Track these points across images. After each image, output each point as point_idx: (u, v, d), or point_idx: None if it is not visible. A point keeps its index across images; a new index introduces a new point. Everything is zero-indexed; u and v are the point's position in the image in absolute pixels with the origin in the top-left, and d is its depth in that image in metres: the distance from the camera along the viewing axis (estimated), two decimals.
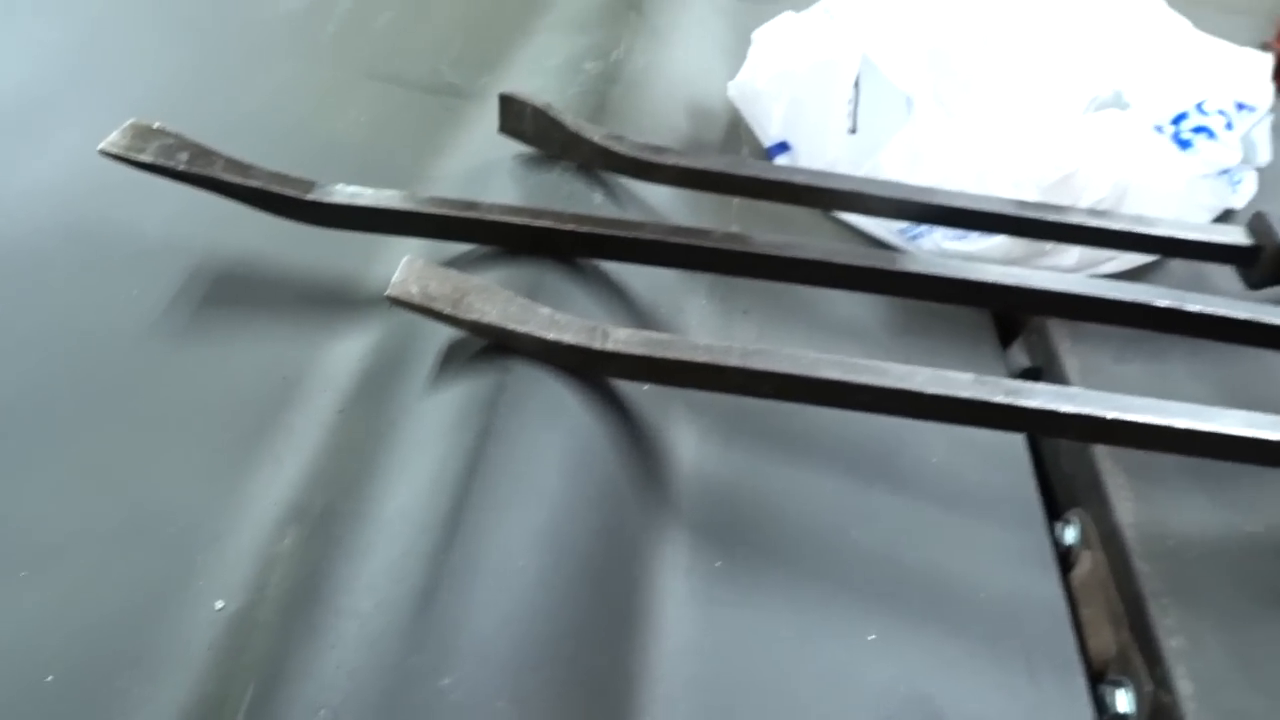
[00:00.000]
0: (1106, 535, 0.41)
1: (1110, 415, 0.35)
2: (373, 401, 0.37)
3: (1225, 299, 0.43)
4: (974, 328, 0.51)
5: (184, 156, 0.41)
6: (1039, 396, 0.36)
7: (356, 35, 0.65)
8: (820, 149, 0.58)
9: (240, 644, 0.29)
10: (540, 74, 0.61)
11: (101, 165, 0.41)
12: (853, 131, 0.58)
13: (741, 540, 0.37)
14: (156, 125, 0.42)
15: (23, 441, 0.35)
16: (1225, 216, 0.57)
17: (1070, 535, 0.42)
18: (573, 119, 0.48)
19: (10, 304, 0.40)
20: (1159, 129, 0.52)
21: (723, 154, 0.59)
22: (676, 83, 0.64)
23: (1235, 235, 0.47)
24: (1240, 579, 0.38)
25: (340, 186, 0.42)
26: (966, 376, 0.36)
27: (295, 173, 0.44)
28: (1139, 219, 0.47)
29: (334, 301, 0.42)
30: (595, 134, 0.47)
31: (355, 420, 0.37)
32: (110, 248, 0.43)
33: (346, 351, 0.40)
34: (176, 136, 0.42)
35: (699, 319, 0.46)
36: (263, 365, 0.39)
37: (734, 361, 0.36)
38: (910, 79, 0.55)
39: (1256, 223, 0.47)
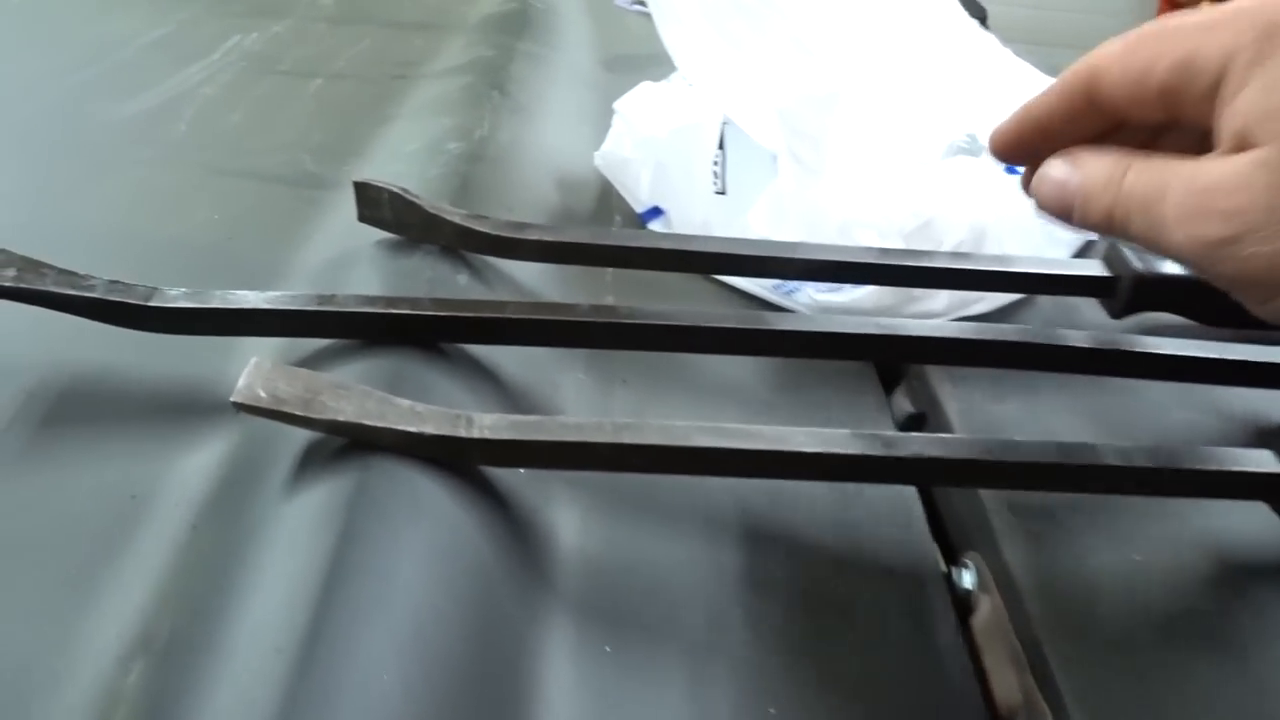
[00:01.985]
0: (1001, 578, 0.40)
1: (988, 458, 0.35)
2: (228, 514, 0.35)
3: (1088, 332, 0.43)
4: (856, 377, 0.51)
5: (9, 273, 0.39)
6: (915, 445, 0.35)
7: (208, 133, 0.63)
8: (690, 211, 0.58)
9: None
10: (402, 158, 0.60)
11: None
12: (721, 192, 0.58)
13: (632, 620, 0.36)
14: None
15: None
16: (1087, 249, 0.59)
17: (968, 580, 0.41)
18: (431, 201, 0.47)
19: None
20: (1011, 169, 0.53)
21: (588, 225, 0.59)
22: (543, 156, 0.64)
23: (1093, 268, 0.48)
24: (1133, 609, 0.38)
25: (183, 291, 0.40)
26: (843, 433, 0.36)
27: (139, 279, 0.42)
28: (1000, 258, 0.48)
29: (185, 411, 0.40)
30: (455, 215, 0.46)
31: (209, 536, 0.34)
32: None
33: (201, 463, 0.38)
34: (1, 252, 0.40)
35: (576, 394, 0.45)
36: (108, 485, 0.37)
37: (605, 438, 0.35)
38: (772, 138, 0.55)
39: (1111, 253, 0.48)
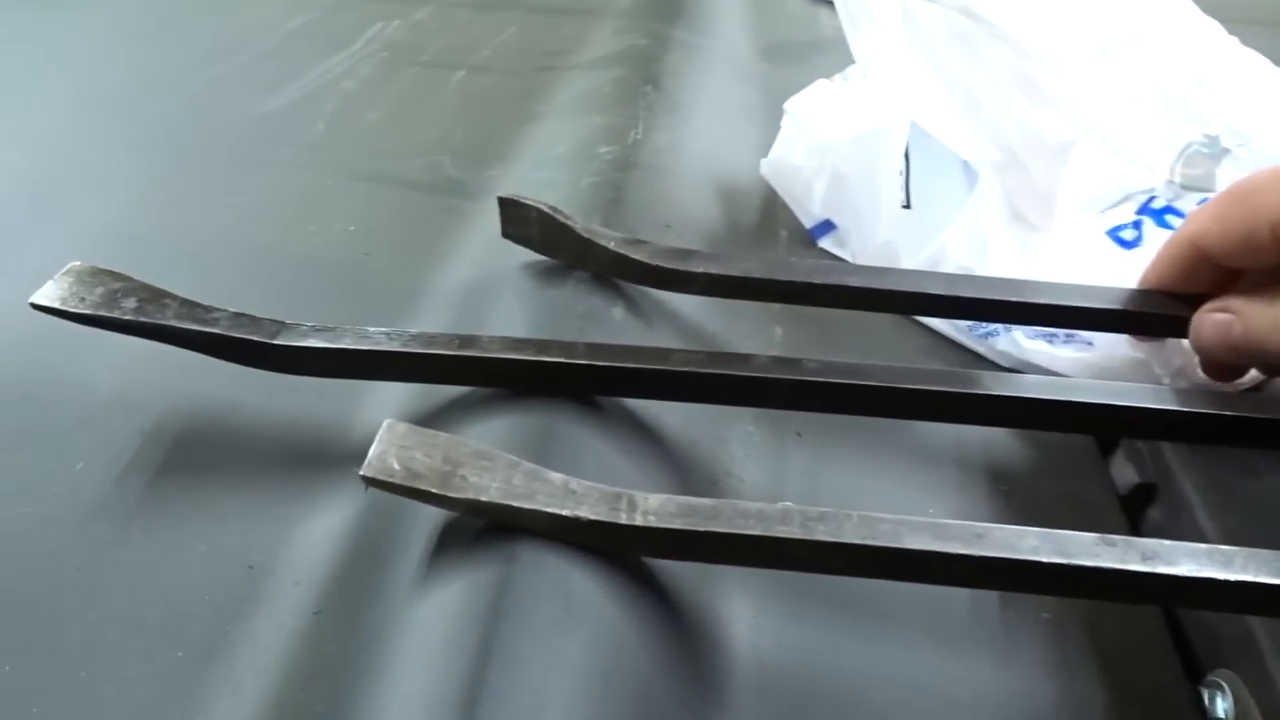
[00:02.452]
0: (1269, 708, 0.33)
1: None
2: (353, 602, 0.30)
3: None
4: (1069, 437, 0.43)
5: (130, 304, 0.35)
6: (1183, 560, 0.28)
7: (347, 132, 0.59)
8: (871, 228, 0.51)
9: None
10: (550, 163, 0.54)
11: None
12: (907, 206, 0.51)
13: None
14: (99, 267, 0.36)
15: None
16: None
17: (1221, 707, 0.34)
18: (584, 225, 0.41)
19: None
20: None
21: (759, 253, 0.52)
22: (702, 161, 0.58)
23: None
24: None
25: (313, 327, 0.36)
26: (1087, 538, 0.29)
27: (270, 300, 0.38)
28: None
29: (310, 462, 0.36)
30: (610, 240, 0.41)
31: (332, 627, 0.30)
32: (53, 412, 0.37)
33: (324, 530, 0.33)
34: (123, 279, 0.36)
35: (744, 451, 0.39)
36: (225, 551, 0.33)
37: (795, 533, 0.29)
38: (969, 144, 0.48)
39: None
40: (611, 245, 0.41)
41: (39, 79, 0.64)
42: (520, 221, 0.43)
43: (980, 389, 0.35)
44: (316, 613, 0.30)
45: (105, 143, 0.56)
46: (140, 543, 0.33)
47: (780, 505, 0.29)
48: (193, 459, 0.36)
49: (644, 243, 0.41)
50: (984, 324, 0.45)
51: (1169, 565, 0.28)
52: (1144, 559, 0.28)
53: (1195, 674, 0.35)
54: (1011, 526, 0.29)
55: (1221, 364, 0.39)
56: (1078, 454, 0.41)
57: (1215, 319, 0.36)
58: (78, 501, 0.34)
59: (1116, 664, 0.33)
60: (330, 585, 0.31)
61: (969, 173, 0.49)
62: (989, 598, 0.35)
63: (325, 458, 0.36)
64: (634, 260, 0.40)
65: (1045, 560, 0.28)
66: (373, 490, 0.33)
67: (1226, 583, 0.28)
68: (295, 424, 0.37)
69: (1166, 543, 0.29)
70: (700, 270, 0.40)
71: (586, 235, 0.41)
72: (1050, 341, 0.43)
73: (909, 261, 0.49)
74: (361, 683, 0.27)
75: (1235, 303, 0.35)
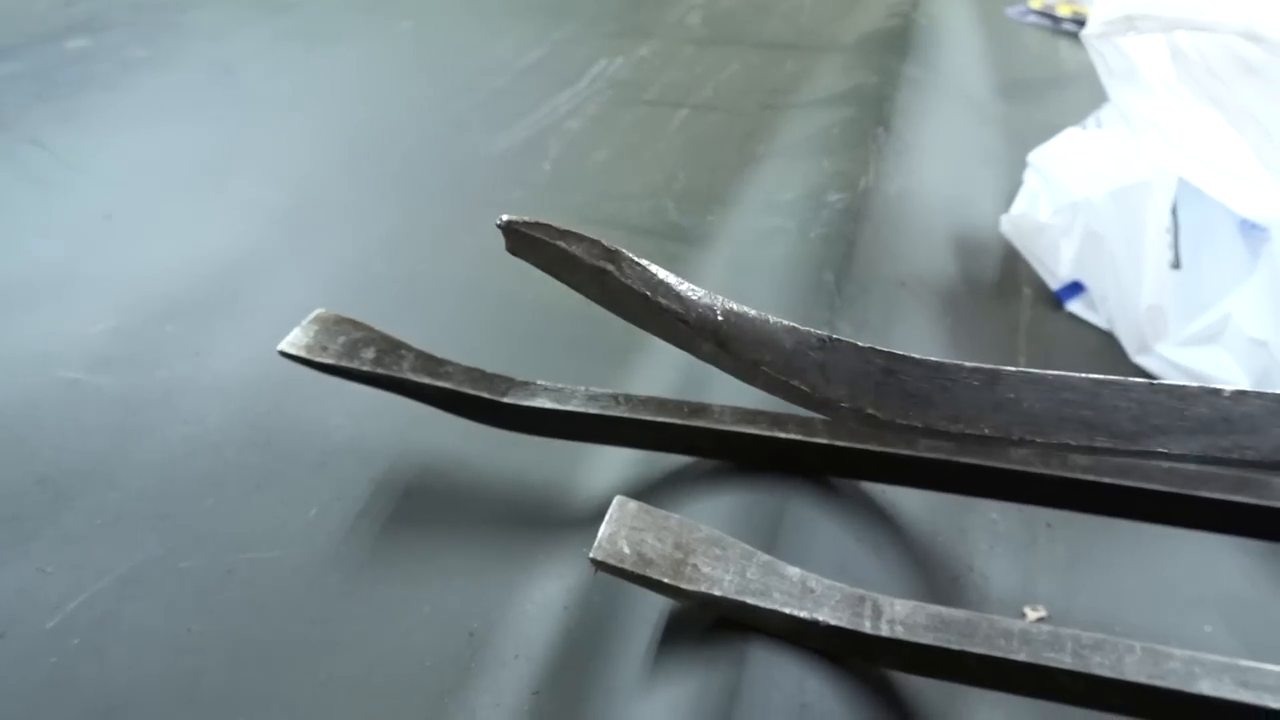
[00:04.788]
0: None
1: None
2: (573, 684, 0.29)
3: None
4: None
5: (369, 354, 0.36)
6: None
7: (572, 173, 0.59)
8: (1132, 289, 0.46)
9: None
10: (777, 210, 0.52)
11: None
12: (1176, 266, 0.46)
13: None
14: (342, 316, 0.37)
15: (170, 707, 0.29)
16: None
17: None
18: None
19: (177, 539, 0.35)
20: None
21: (1000, 314, 0.48)
22: (938, 214, 0.55)
23: None
24: None
25: (543, 386, 0.36)
26: None
27: (500, 348, 0.38)
28: None
29: (535, 524, 0.35)
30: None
31: (550, 709, 0.29)
32: (289, 458, 0.38)
33: (545, 601, 0.32)
34: (364, 329, 0.37)
35: (989, 544, 0.36)
36: (449, 615, 0.32)
37: (1067, 664, 0.25)
38: (1255, 200, 0.43)
39: None
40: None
41: (297, 114, 0.67)
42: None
43: None
44: (535, 692, 0.29)
45: (351, 181, 0.58)
46: (369, 595, 0.33)
47: (1049, 629, 0.26)
48: (421, 512, 0.36)
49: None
50: None
51: None
52: None
53: None
54: None
55: None
56: None
57: None
58: (313, 549, 0.35)
59: None
60: (550, 664, 0.30)
61: (1253, 235, 0.44)
62: None
63: (549, 520, 0.35)
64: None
65: None
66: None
67: None
68: (520, 483, 0.37)
69: None
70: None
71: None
72: None
73: (1180, 330, 0.44)
74: None
75: None
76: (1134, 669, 0.25)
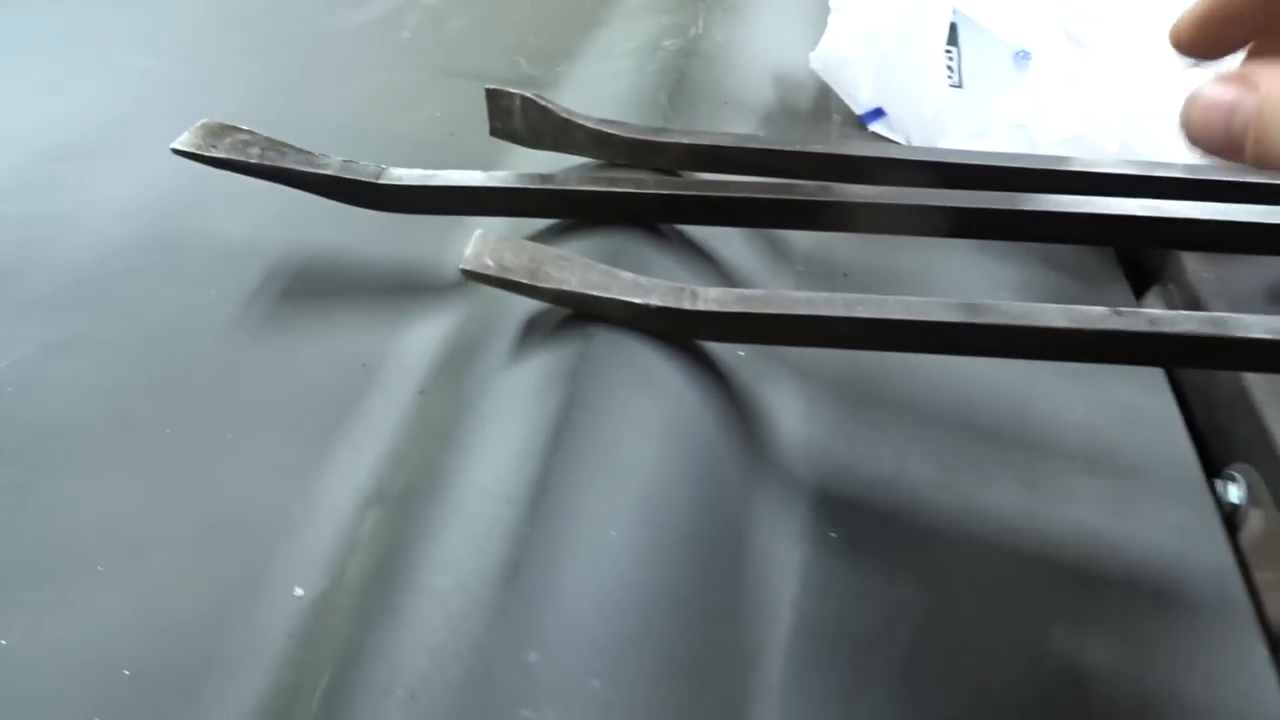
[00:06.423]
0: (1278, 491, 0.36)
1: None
2: (453, 380, 0.35)
3: None
4: (1102, 279, 0.47)
5: (255, 151, 0.40)
6: (1188, 323, 0.32)
7: (432, 38, 0.64)
8: (919, 107, 0.54)
9: (320, 629, 0.28)
10: (618, 57, 0.59)
11: (181, 180, 0.41)
12: (957, 86, 0.54)
13: (858, 508, 0.34)
14: (226, 123, 0.41)
15: (104, 446, 0.34)
16: None
17: (1235, 494, 0.37)
18: (563, 107, 0.44)
19: (95, 317, 0.39)
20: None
21: (812, 137, 0.55)
22: (758, 55, 0.62)
23: None
24: None
25: (411, 170, 0.41)
26: (1100, 310, 0.32)
27: None
28: None
29: (412, 287, 0.41)
30: (589, 120, 0.44)
31: (435, 400, 0.35)
32: (190, 255, 0.43)
33: (426, 334, 0.38)
34: (248, 132, 0.41)
35: (794, 285, 0.43)
36: (341, 355, 0.38)
37: (839, 311, 0.33)
38: (1019, 30, 0.51)
39: None
40: (590, 124, 0.44)
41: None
42: (505, 114, 0.46)
43: (1021, 206, 0.39)
44: (421, 391, 0.35)
45: (224, 51, 0.62)
46: (270, 344, 0.38)
47: (825, 294, 0.33)
48: (310, 288, 0.41)
49: (621, 123, 0.44)
50: None
51: (1174, 326, 0.31)
52: (1151, 323, 0.32)
53: (1213, 470, 0.38)
54: (1030, 303, 0.33)
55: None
56: (1106, 286, 0.45)
57: (1215, 97, 0.23)
58: (211, 324, 0.39)
59: (1139, 465, 0.37)
60: (433, 373, 0.36)
61: (1023, 62, 0.52)
62: (1014, 396, 0.38)
63: (424, 283, 0.41)
64: (613, 136, 0.43)
65: (1060, 326, 0.32)
66: (466, 302, 0.37)
67: (1230, 340, 0.31)
68: (397, 258, 0.42)
69: (1171, 312, 0.32)
70: (673, 141, 0.43)
71: (566, 116, 0.44)
72: None
73: (958, 128, 0.52)
74: (464, 432, 0.32)
75: (1261, 72, 0.23)
76: (888, 309, 0.33)
